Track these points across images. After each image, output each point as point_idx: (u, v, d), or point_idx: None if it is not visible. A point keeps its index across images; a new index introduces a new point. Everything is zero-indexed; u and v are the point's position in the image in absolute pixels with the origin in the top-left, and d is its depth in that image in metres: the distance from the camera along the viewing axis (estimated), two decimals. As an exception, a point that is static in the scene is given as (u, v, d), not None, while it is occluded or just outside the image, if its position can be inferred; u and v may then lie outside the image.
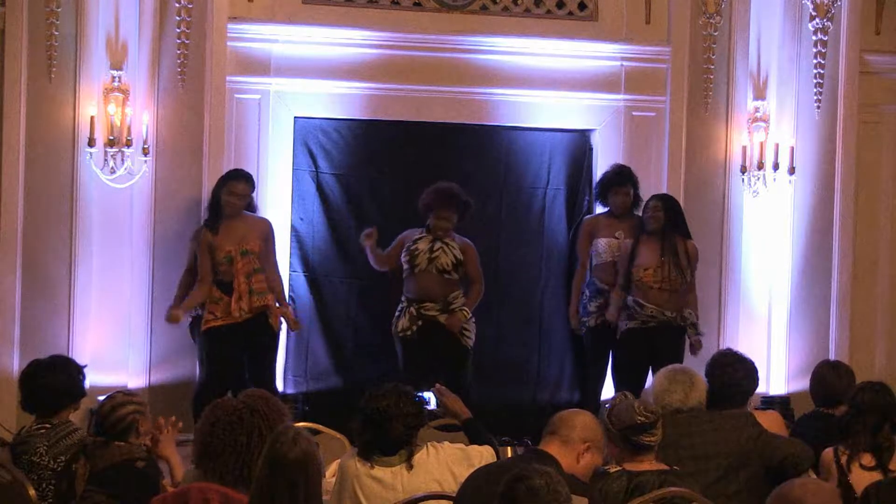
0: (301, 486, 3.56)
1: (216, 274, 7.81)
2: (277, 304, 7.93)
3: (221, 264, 7.78)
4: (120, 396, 5.03)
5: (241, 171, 8.02)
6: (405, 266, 8.05)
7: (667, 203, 8.36)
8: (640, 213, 8.45)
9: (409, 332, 7.98)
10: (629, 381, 7.86)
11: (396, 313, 8.08)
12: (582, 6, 9.12)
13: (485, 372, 8.70)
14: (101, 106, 8.08)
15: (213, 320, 7.76)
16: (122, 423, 4.85)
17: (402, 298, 8.08)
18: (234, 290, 7.73)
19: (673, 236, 8.27)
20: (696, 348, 8.30)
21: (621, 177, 8.55)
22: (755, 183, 9.04)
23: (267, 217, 8.19)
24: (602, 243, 8.46)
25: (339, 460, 4.90)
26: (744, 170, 9.06)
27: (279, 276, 8.08)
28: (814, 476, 5.19)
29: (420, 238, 8.06)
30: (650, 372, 7.93)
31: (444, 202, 8.02)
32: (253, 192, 7.99)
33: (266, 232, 7.99)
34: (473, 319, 8.12)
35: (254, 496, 3.61)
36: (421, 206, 8.09)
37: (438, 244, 8.00)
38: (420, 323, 7.99)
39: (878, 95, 9.39)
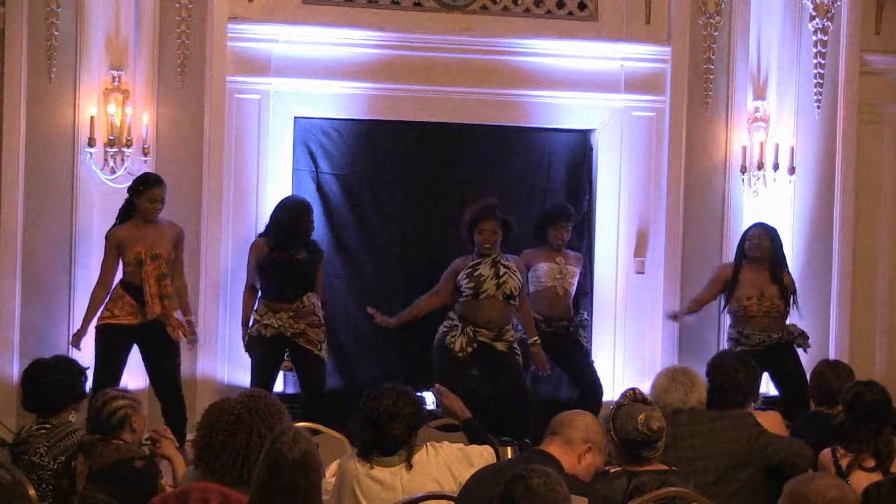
0: (301, 487, 3.56)
1: (123, 275, 7.58)
2: (180, 314, 7.69)
3: (129, 265, 7.55)
4: (111, 392, 5.05)
5: (156, 175, 7.71)
6: (466, 291, 7.78)
7: (770, 232, 8.39)
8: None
9: (462, 354, 7.73)
10: None
11: (444, 328, 7.84)
12: (582, 6, 9.13)
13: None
14: (101, 106, 8.08)
15: (109, 318, 7.51)
16: (114, 416, 4.87)
17: (454, 317, 7.86)
18: (146, 293, 7.47)
19: (778, 266, 8.33)
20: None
21: (566, 212, 8.51)
22: (755, 183, 9.04)
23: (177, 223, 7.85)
24: (543, 267, 8.33)
25: (338, 460, 4.90)
26: (744, 170, 9.06)
27: (185, 284, 7.83)
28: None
29: (479, 262, 7.84)
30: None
31: (483, 213, 7.86)
32: None
33: (177, 238, 7.74)
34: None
35: (254, 496, 3.60)
36: (464, 228, 7.93)
37: (503, 269, 7.81)
38: (476, 346, 7.76)
39: (878, 95, 9.40)
